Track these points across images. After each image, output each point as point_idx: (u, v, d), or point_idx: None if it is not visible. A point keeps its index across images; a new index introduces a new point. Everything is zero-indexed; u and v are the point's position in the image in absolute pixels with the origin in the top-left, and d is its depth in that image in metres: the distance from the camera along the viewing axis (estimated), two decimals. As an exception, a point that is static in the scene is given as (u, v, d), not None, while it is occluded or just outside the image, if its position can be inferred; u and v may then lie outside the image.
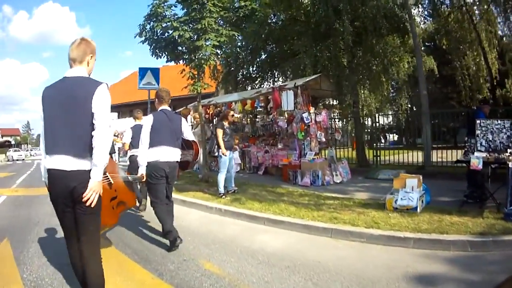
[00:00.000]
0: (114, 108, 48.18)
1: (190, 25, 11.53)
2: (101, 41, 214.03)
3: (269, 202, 8.83)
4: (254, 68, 23.75)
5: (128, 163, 9.46)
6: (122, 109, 58.20)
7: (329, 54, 17.23)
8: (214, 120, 17.42)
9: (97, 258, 3.52)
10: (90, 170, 3.29)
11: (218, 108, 17.22)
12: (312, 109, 13.55)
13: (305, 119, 12.80)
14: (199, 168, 13.89)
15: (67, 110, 3.28)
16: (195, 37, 11.44)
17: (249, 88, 22.89)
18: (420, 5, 19.50)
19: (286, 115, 14.39)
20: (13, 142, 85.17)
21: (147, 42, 12.31)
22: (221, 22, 12.05)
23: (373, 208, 7.74)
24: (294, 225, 6.99)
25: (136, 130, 8.35)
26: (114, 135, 14.27)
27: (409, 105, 29.43)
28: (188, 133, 6.47)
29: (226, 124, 10.35)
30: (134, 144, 8.50)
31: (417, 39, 15.86)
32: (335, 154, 14.77)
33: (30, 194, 12.55)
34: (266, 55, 22.38)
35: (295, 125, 13.22)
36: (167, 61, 13.05)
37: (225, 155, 9.84)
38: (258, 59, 22.59)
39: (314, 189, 11.08)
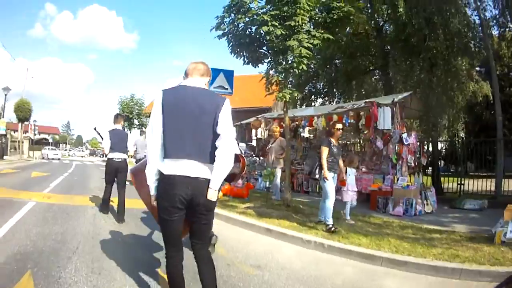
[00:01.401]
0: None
1: (281, 21, 10.28)
2: (148, 49, 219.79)
3: (374, 236, 7.96)
4: (324, 81, 23.38)
5: None
6: None
7: (420, 71, 17.41)
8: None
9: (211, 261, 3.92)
10: (209, 179, 3.56)
11: (296, 122, 16.82)
12: (404, 130, 12.92)
13: (404, 140, 12.30)
14: (269, 186, 13.37)
15: (196, 119, 3.57)
16: (285, 36, 10.26)
17: (317, 103, 23.08)
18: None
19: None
20: (50, 141, 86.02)
21: (225, 38, 11.31)
22: (310, 24, 11.01)
23: (481, 242, 7.44)
24: (419, 266, 6.19)
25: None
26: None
27: (464, 132, 29.32)
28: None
29: (333, 141, 9.01)
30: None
31: (493, 62, 16.23)
32: (422, 180, 13.93)
33: (67, 203, 10.83)
34: (337, 67, 21.82)
35: (391, 147, 12.57)
36: (244, 63, 11.94)
37: (327, 179, 8.56)
38: (332, 71, 22.19)
39: (409, 219, 10.55)
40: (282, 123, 13.85)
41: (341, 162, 9.21)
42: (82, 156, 78.79)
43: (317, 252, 7.21)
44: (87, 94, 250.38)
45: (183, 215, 3.68)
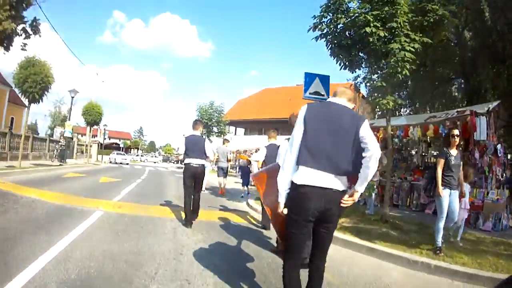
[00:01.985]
0: (241, 124, 47.88)
1: (381, 22, 10.06)
2: (223, 58, 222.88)
3: (473, 254, 7.69)
4: (411, 90, 22.87)
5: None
6: (249, 125, 57.86)
7: (507, 79, 17.04)
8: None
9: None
10: (341, 191, 3.82)
11: (392, 132, 15.45)
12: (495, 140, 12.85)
13: (499, 152, 12.44)
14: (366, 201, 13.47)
15: (336, 135, 3.80)
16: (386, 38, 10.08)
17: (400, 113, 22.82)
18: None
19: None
20: (121, 145, 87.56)
21: (324, 39, 11.19)
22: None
23: None
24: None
25: (271, 148, 9.06)
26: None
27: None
28: None
29: (451, 151, 8.15)
30: (267, 162, 8.72)
31: None
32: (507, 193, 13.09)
33: (141, 214, 10.05)
34: (422, 75, 20.52)
35: (486, 158, 12.34)
36: (341, 68, 11.62)
37: (441, 196, 7.88)
38: (418, 79, 20.91)
39: (498, 235, 10.38)
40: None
41: (461, 175, 8.31)
42: (155, 162, 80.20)
43: (424, 274, 6.88)
44: (161, 101, 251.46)
45: (311, 228, 3.88)
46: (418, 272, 6.92)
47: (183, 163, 9.77)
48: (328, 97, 11.41)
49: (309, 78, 12.60)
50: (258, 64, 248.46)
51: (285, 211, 3.93)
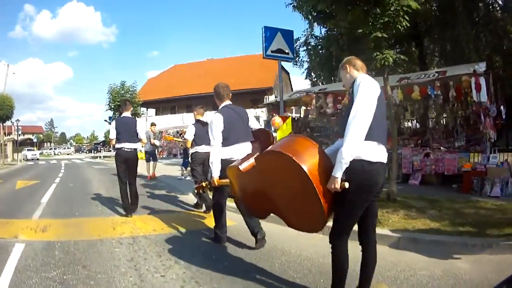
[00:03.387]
0: (152, 104, 43.86)
1: None
2: (127, 41, 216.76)
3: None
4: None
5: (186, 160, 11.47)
6: (161, 105, 54.23)
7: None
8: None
9: None
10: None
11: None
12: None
13: (503, 114, 11.70)
14: None
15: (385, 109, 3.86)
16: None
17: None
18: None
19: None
20: (35, 140, 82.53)
21: None
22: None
23: None
24: None
25: (199, 126, 9.09)
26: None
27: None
28: (254, 123, 6.46)
29: None
30: (197, 141, 9.05)
31: None
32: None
33: (74, 239, 6.71)
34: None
35: (489, 121, 11.23)
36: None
37: None
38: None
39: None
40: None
41: None
42: (68, 154, 76.65)
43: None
44: (68, 91, 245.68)
45: None
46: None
47: (114, 149, 9.40)
48: (293, 56, 11.43)
49: (270, 32, 10.65)
50: (160, 45, 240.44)
51: (347, 185, 3.44)
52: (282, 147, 3.80)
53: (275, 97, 46.19)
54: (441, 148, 12.54)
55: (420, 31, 17.74)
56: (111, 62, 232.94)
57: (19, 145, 52.81)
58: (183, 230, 7.51)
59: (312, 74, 26.33)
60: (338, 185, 3.42)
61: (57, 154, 74.99)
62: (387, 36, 8.69)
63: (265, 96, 43.46)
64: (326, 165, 3.55)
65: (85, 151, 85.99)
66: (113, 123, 9.01)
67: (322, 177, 3.48)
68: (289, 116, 12.20)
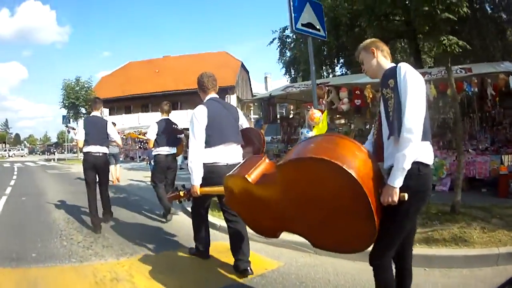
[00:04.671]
0: (106, 103, 40.78)
1: None
2: (80, 41, 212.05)
3: None
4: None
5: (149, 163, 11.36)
6: (116, 104, 51.28)
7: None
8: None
9: None
10: None
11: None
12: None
13: None
14: None
15: None
16: None
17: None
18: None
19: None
20: None
21: None
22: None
23: None
24: None
25: (162, 125, 8.36)
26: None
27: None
28: (244, 122, 5.58)
29: None
30: (160, 141, 8.31)
31: None
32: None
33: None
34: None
35: None
36: None
37: None
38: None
39: None
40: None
41: None
42: (22, 156, 72.74)
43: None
44: (22, 92, 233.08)
45: None
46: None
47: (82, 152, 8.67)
48: (325, 35, 9.02)
49: (298, 2, 8.10)
50: (111, 46, 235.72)
51: (406, 196, 2.91)
52: (323, 152, 2.91)
53: (237, 96, 44.70)
54: (469, 150, 11.22)
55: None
56: (65, 62, 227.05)
57: None
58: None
59: (292, 69, 24.89)
60: (396, 197, 2.91)
61: (11, 156, 71.34)
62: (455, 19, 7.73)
63: (226, 96, 42.43)
64: (377, 172, 2.96)
65: (38, 152, 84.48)
66: (81, 122, 8.23)
67: (375, 188, 2.85)
68: (324, 110, 10.42)
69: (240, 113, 5.54)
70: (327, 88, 13.36)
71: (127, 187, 14.56)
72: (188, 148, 5.42)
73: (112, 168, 15.27)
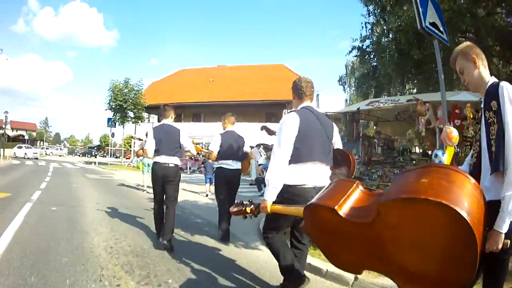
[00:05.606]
0: (155, 109, 38.62)
1: None
2: (127, 46, 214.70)
3: None
4: None
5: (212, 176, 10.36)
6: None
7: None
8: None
9: None
10: None
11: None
12: None
13: None
14: None
15: None
16: None
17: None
18: None
19: None
20: (26, 137, 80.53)
21: None
22: None
23: None
24: None
25: (227, 137, 8.05)
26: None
27: None
28: (338, 140, 5.02)
29: None
30: (223, 154, 7.92)
31: None
32: None
33: None
34: None
35: None
36: None
37: None
38: None
39: None
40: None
41: None
42: (60, 156, 72.42)
43: None
44: (66, 92, 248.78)
45: None
46: None
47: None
48: (447, 38, 7.94)
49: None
50: (159, 53, 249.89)
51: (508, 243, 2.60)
52: (439, 192, 2.40)
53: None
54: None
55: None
56: (110, 66, 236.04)
57: (11, 141, 48.78)
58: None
59: (364, 85, 22.06)
60: (501, 245, 2.61)
61: (49, 155, 71.13)
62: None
63: (284, 110, 39.86)
64: (485, 213, 2.50)
65: (78, 154, 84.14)
66: (151, 131, 7.57)
67: (483, 234, 2.50)
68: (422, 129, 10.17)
69: (336, 130, 4.95)
70: (427, 104, 11.45)
71: (182, 203, 11.96)
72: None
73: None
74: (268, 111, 39.47)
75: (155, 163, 7.37)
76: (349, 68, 51.72)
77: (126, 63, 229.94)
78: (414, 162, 12.39)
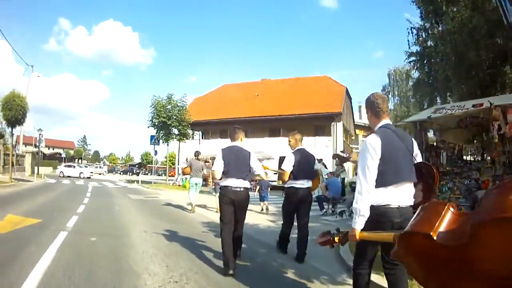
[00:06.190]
0: (198, 125, 37.10)
1: None
2: (165, 65, 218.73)
3: None
4: None
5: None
6: (210, 128, 48.56)
7: None
8: None
9: None
10: None
11: None
12: None
13: None
14: None
15: None
16: None
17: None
18: None
19: None
20: (63, 155, 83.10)
21: None
22: None
23: None
24: None
25: (298, 155, 7.88)
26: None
27: None
28: (419, 154, 4.79)
29: None
30: (296, 174, 7.75)
31: None
32: None
33: None
34: None
35: None
36: None
37: None
38: None
39: None
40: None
41: None
42: (100, 174, 71.57)
43: None
44: (103, 110, 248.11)
45: None
46: None
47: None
48: None
49: None
50: (198, 71, 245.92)
51: None
52: None
53: (343, 124, 40.43)
54: None
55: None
56: (148, 84, 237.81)
57: (47, 159, 47.98)
58: None
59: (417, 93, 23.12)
60: None
61: (91, 174, 70.83)
62: None
63: (332, 123, 38.89)
64: None
65: (119, 172, 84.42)
66: (219, 152, 7.10)
67: None
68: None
69: (415, 143, 4.68)
70: (498, 109, 10.91)
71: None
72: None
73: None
74: (317, 124, 38.26)
75: (224, 186, 7.02)
76: (392, 77, 50.58)
77: (164, 81, 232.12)
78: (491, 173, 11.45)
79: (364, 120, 59.31)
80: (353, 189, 17.91)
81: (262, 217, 13.42)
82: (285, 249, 8.13)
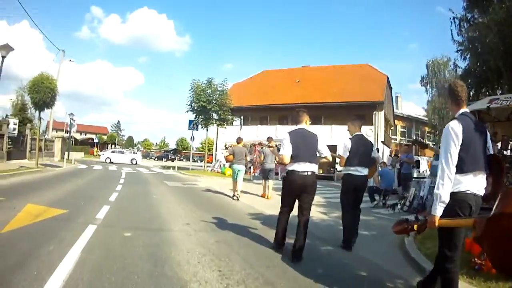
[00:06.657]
0: (238, 111, 35.96)
1: None
2: (200, 52, 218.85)
3: None
4: None
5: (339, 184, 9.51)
6: (250, 114, 47.48)
7: None
8: None
9: None
10: None
11: None
12: None
13: None
14: None
15: None
16: None
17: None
18: None
19: None
20: (96, 141, 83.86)
21: None
22: None
23: None
24: None
25: (355, 142, 7.84)
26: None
27: None
28: (490, 146, 4.80)
29: None
30: (352, 160, 7.71)
31: None
32: None
33: None
34: None
35: None
36: None
37: None
38: None
39: None
40: None
41: None
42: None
43: None
44: (137, 96, 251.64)
45: None
46: None
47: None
48: None
49: None
50: (233, 58, 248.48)
51: None
52: None
53: (385, 113, 38.99)
54: None
55: None
56: (184, 71, 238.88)
57: (79, 144, 47.41)
58: None
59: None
60: None
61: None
62: None
63: (374, 112, 38.06)
64: None
65: (153, 157, 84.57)
66: (287, 135, 6.93)
67: None
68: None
69: (489, 134, 4.74)
70: None
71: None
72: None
73: (264, 183, 16.01)
74: (358, 113, 36.18)
75: (291, 171, 6.83)
76: (430, 68, 48.63)
77: (199, 68, 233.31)
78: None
79: (402, 110, 58.88)
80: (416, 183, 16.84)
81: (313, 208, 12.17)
82: (350, 246, 7.57)
